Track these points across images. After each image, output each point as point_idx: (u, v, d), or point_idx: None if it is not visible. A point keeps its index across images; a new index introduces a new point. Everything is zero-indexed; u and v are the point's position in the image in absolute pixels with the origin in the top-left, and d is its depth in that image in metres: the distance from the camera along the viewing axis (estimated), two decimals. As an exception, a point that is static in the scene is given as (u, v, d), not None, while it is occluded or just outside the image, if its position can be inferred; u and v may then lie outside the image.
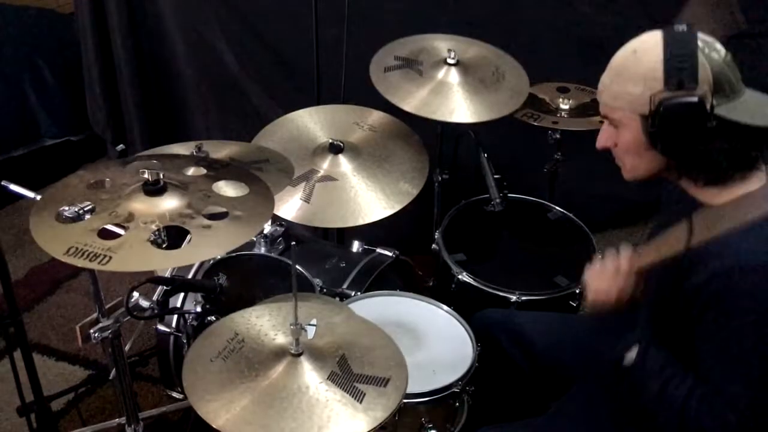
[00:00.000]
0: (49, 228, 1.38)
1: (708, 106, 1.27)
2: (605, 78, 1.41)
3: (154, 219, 1.40)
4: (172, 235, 1.42)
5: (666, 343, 1.42)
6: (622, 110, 1.38)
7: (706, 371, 1.32)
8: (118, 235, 1.36)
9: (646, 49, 1.33)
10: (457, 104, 2.10)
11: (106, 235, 1.36)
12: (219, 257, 2.12)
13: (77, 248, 1.32)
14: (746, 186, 1.36)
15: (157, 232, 1.38)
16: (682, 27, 1.32)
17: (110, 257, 1.31)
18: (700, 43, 1.30)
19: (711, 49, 1.31)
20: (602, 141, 1.45)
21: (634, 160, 1.42)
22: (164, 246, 1.39)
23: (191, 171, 1.60)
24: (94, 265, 1.30)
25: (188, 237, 1.39)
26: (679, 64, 1.28)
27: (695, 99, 1.27)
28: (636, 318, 1.53)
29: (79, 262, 1.31)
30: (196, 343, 1.45)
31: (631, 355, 1.40)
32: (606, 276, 1.48)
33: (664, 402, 1.35)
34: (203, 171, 1.60)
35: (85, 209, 1.41)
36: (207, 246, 1.38)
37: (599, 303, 1.49)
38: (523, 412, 1.76)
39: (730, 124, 1.29)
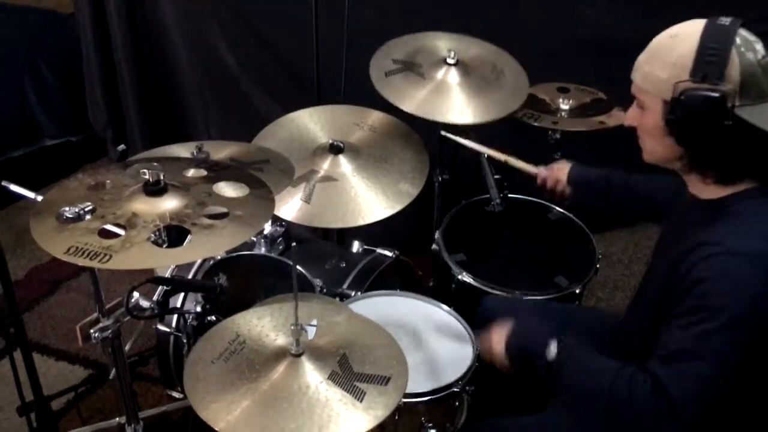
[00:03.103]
0: (49, 228, 1.38)
1: (729, 105, 1.26)
2: (641, 57, 1.41)
3: (155, 219, 1.40)
4: (173, 235, 1.42)
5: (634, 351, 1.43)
6: (648, 93, 1.38)
7: (669, 348, 1.30)
8: (119, 235, 1.36)
9: (684, 36, 1.32)
10: (458, 105, 2.10)
11: (106, 235, 1.36)
12: (219, 257, 2.12)
13: (77, 247, 1.32)
14: (746, 185, 1.36)
15: (157, 232, 1.39)
16: (726, 20, 1.31)
17: (110, 256, 1.31)
18: (738, 40, 1.29)
19: (748, 48, 1.29)
20: (629, 119, 1.46)
21: (653, 144, 1.43)
22: (164, 246, 1.39)
23: (192, 172, 1.60)
24: (94, 264, 1.30)
25: (188, 236, 1.39)
26: (709, 57, 1.27)
27: (716, 95, 1.26)
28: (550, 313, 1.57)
29: (80, 261, 1.31)
30: (198, 346, 1.45)
31: (552, 349, 1.42)
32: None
33: (591, 388, 1.37)
34: (204, 172, 1.60)
35: (86, 210, 1.41)
36: (207, 245, 1.38)
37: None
38: (523, 411, 1.76)
39: (749, 127, 1.28)
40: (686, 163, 1.39)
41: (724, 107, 1.26)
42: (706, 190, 1.40)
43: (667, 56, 1.34)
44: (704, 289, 1.27)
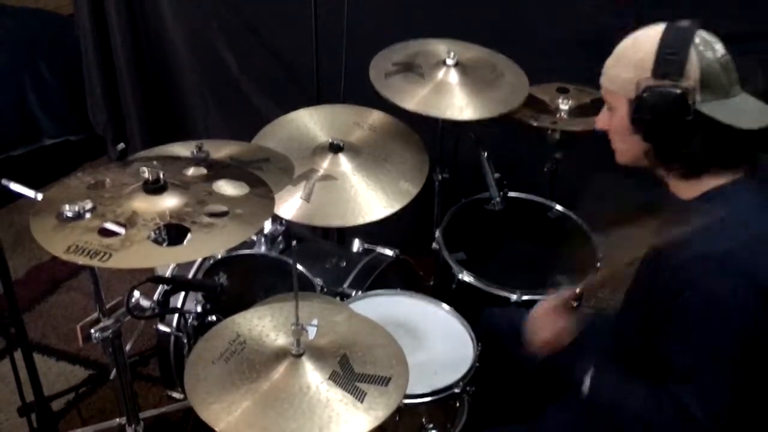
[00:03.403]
0: (49, 227, 1.38)
1: (690, 101, 1.31)
2: (608, 61, 1.46)
3: (155, 217, 1.40)
4: (173, 234, 1.42)
5: (631, 351, 1.48)
6: (615, 94, 1.43)
7: (675, 367, 1.35)
8: (119, 234, 1.36)
9: (645, 38, 1.38)
10: (459, 102, 2.10)
11: (106, 233, 1.36)
12: (219, 256, 2.12)
13: (77, 246, 1.32)
14: (716, 180, 1.39)
15: (157, 230, 1.38)
16: (686, 22, 1.37)
17: (110, 254, 1.31)
18: (697, 39, 1.34)
19: (707, 47, 1.34)
20: (599, 123, 1.51)
21: (621, 144, 1.48)
22: (165, 244, 1.39)
23: (191, 171, 1.60)
24: (94, 263, 1.30)
25: (188, 235, 1.39)
26: (669, 55, 1.33)
27: (677, 90, 1.31)
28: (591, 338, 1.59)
29: (80, 260, 1.31)
30: (198, 346, 1.44)
31: (587, 382, 1.47)
32: (549, 322, 1.59)
33: (624, 416, 1.43)
34: (204, 171, 1.60)
35: (86, 208, 1.41)
36: (207, 243, 1.38)
37: (550, 347, 1.58)
38: (523, 413, 1.76)
39: (711, 121, 1.32)
40: (652, 158, 1.43)
41: (686, 103, 1.31)
42: (681, 188, 1.44)
43: (630, 57, 1.39)
44: (684, 301, 1.31)
